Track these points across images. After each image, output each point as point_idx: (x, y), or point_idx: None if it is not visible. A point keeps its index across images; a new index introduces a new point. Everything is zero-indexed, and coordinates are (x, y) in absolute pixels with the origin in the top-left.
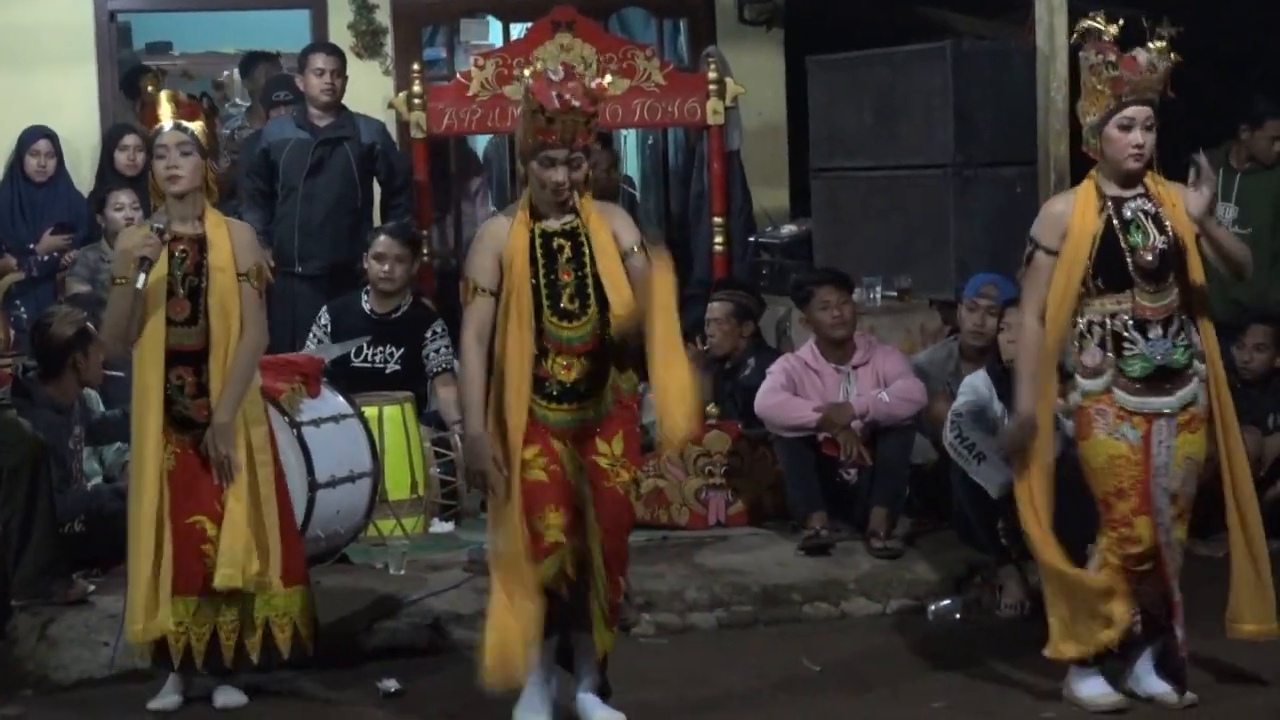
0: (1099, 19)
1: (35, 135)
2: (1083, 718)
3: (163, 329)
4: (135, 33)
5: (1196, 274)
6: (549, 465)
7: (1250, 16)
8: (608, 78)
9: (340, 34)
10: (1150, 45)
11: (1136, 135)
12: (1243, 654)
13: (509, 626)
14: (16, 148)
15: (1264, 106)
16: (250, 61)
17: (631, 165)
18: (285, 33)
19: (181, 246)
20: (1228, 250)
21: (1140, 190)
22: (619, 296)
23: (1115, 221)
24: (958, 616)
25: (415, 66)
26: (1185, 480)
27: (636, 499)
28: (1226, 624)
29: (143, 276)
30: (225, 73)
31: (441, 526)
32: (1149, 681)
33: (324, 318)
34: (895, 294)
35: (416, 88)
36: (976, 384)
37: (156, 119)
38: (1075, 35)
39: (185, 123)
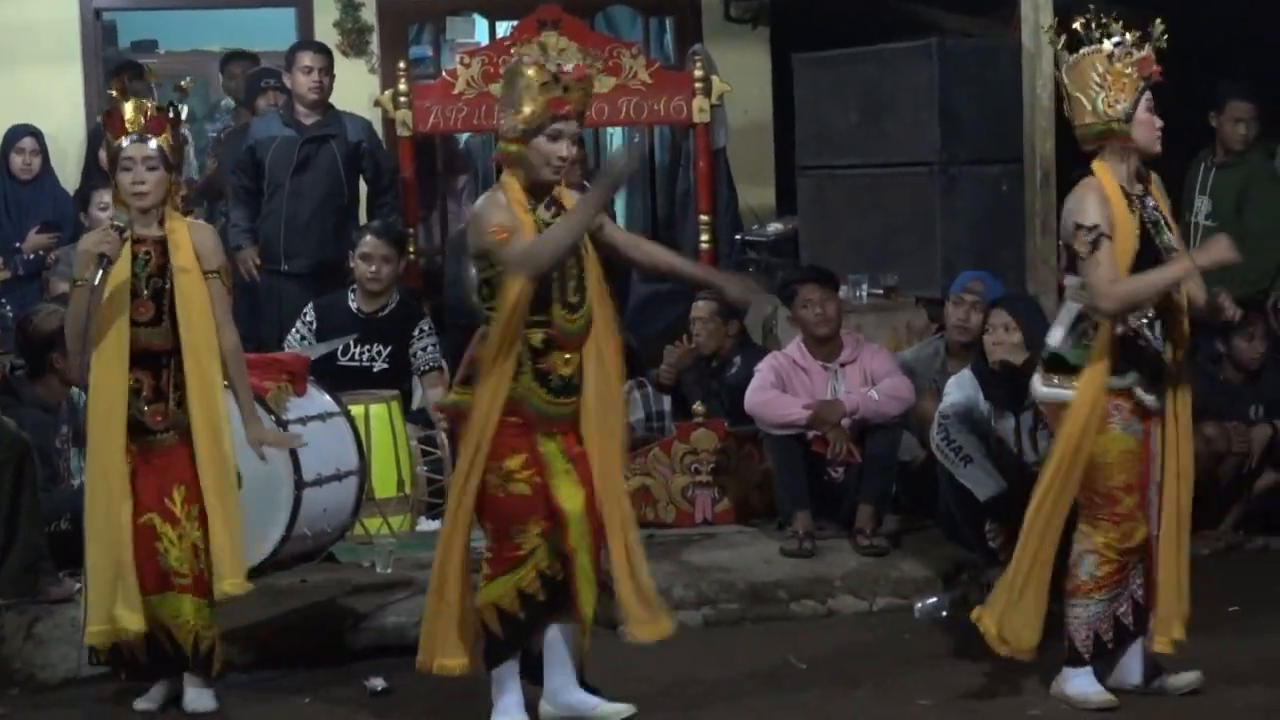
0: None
1: (20, 133)
2: (1070, 715)
3: (127, 330)
4: (120, 31)
5: None
6: (532, 477)
7: (1230, 11)
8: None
9: (326, 32)
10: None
11: (1157, 118)
12: (1233, 652)
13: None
14: (1, 146)
15: (1226, 88)
16: (228, 60)
17: None
18: (271, 31)
19: (145, 248)
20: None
21: (1143, 189)
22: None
23: (1146, 220)
24: (944, 614)
25: (401, 64)
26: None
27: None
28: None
29: (100, 273)
30: (187, 78)
31: (428, 525)
32: (1133, 670)
33: (309, 315)
34: (881, 292)
35: (402, 86)
36: (962, 384)
37: (122, 128)
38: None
39: (152, 136)
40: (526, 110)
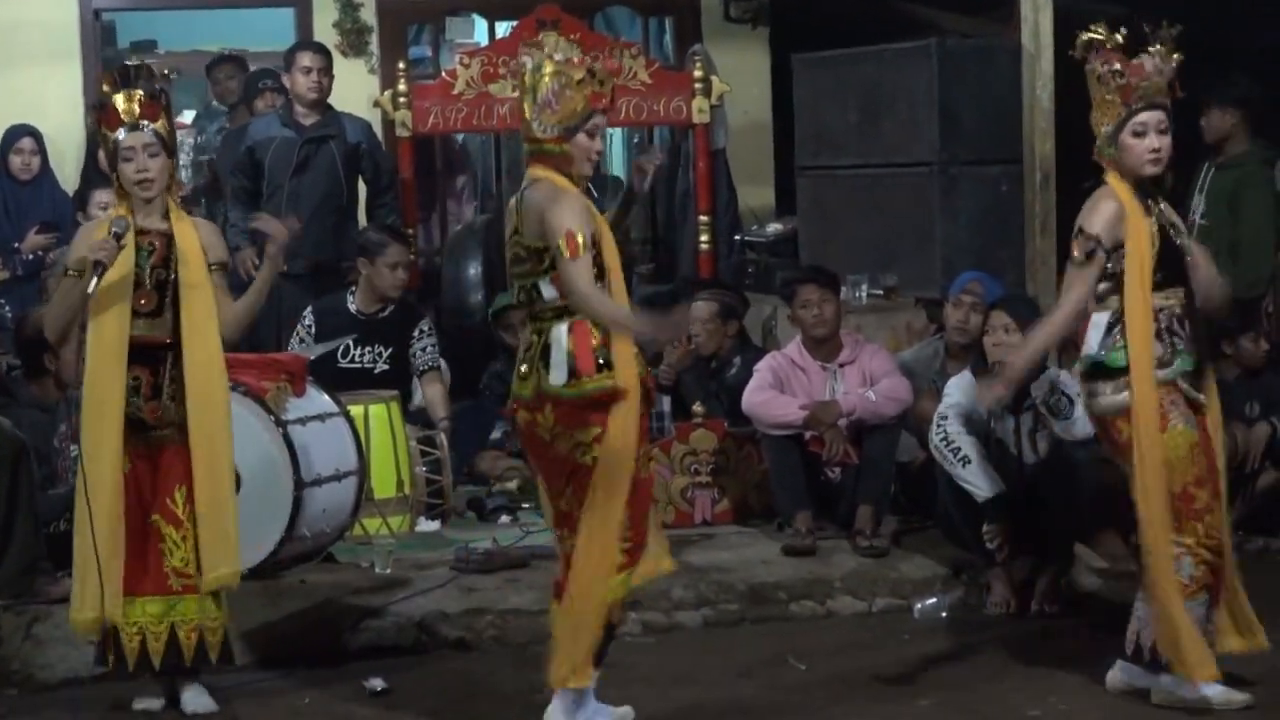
0: (1100, 29)
1: (19, 133)
2: (1067, 716)
3: (127, 323)
4: (120, 31)
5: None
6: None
7: (1235, 11)
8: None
9: (325, 32)
10: (1153, 49)
11: (1152, 140)
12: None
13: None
14: (0, 146)
15: (1205, 92)
16: (215, 64)
17: (617, 164)
18: (270, 31)
19: (149, 239)
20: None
21: (1155, 201)
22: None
23: (1164, 222)
24: (943, 615)
25: (400, 65)
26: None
27: None
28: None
29: (95, 281)
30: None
31: (427, 525)
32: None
33: (308, 318)
34: (881, 292)
35: (402, 86)
36: (962, 385)
37: (118, 119)
38: (1079, 48)
39: (148, 123)
40: (565, 108)
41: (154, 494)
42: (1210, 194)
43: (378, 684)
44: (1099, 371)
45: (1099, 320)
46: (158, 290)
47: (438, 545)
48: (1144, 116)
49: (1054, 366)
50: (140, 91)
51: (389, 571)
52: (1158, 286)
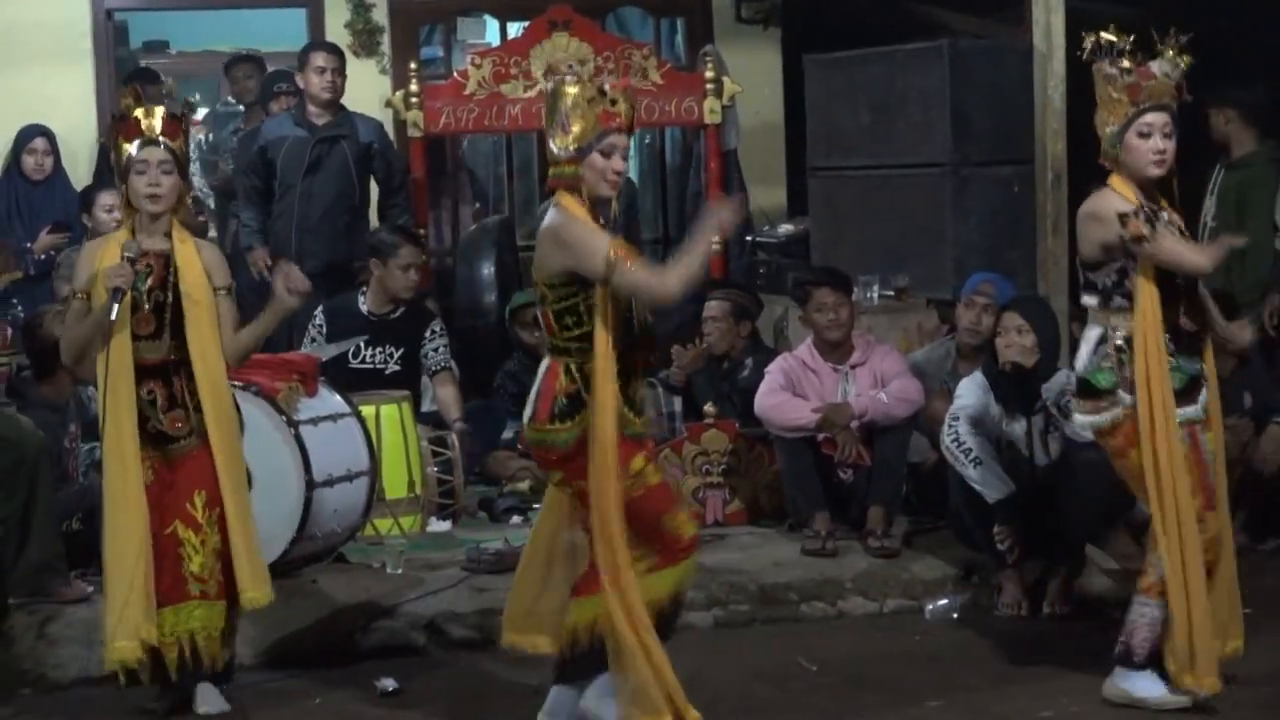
0: (1111, 32)
1: (32, 133)
2: (1079, 717)
3: (129, 343)
4: (132, 31)
5: None
6: (658, 469)
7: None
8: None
9: (337, 33)
10: (1162, 53)
11: (1157, 141)
12: (1244, 654)
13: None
14: (14, 146)
15: (1210, 93)
16: (233, 63)
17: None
18: (282, 31)
19: (148, 262)
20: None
21: (1158, 204)
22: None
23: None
24: (955, 616)
25: (412, 65)
26: None
27: None
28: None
29: (115, 307)
30: (196, 95)
31: (439, 525)
32: None
33: (319, 319)
34: (892, 293)
35: (413, 86)
36: (974, 387)
37: (137, 132)
38: (1087, 51)
39: (166, 140)
40: (577, 128)
41: (174, 502)
42: (1221, 196)
43: (389, 684)
44: (1086, 388)
45: (1090, 335)
46: (156, 313)
47: (449, 545)
48: (1150, 117)
49: (1064, 368)
50: (163, 109)
51: (400, 572)
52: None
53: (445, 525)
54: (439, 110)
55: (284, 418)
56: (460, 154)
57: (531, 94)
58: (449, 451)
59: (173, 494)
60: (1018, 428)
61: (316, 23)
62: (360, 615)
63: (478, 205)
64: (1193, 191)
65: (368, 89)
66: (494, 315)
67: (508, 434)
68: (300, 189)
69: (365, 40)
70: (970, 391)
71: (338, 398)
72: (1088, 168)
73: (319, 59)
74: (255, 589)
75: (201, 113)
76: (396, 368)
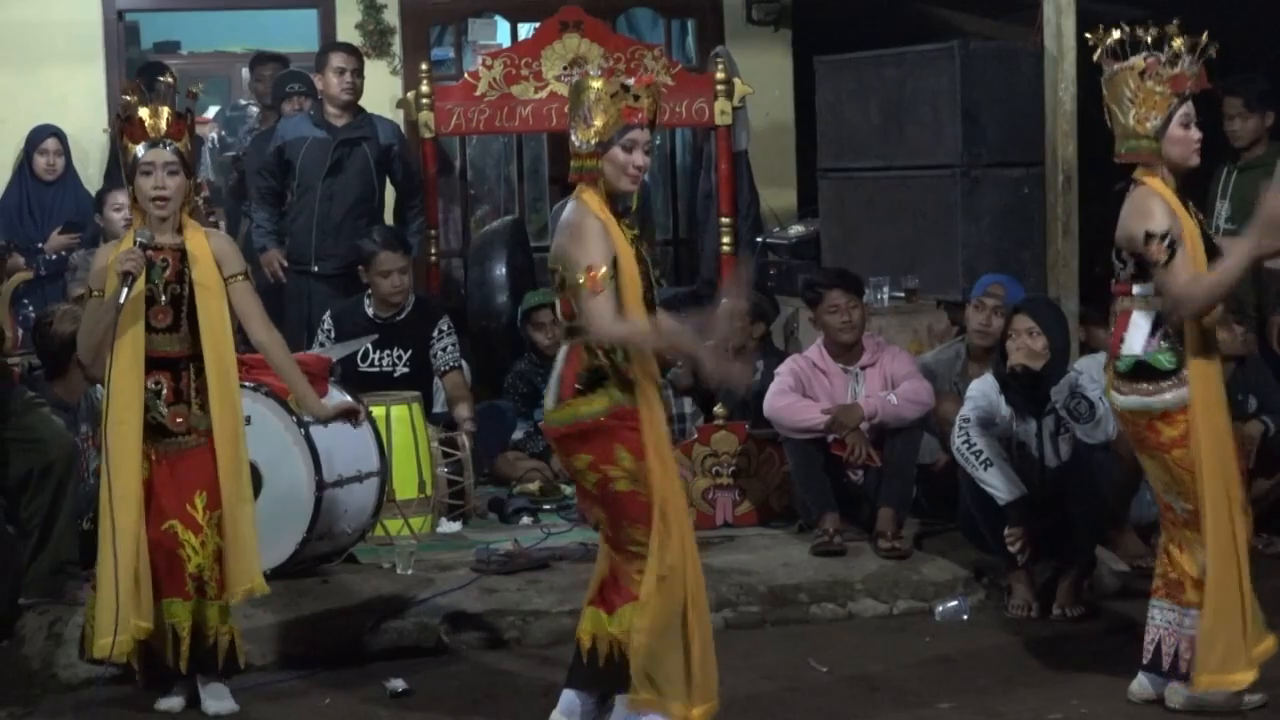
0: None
1: (44, 134)
2: (1089, 719)
3: (142, 336)
4: (144, 32)
5: None
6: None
7: (1252, 13)
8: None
9: (348, 33)
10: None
11: (1195, 131)
12: None
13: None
14: (25, 146)
15: (1223, 84)
16: (257, 62)
17: None
18: (293, 32)
19: (162, 255)
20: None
21: (1187, 202)
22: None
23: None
24: (965, 618)
25: (423, 66)
26: None
27: None
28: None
29: (125, 291)
30: (199, 84)
31: (449, 526)
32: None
33: (326, 322)
34: (902, 294)
35: (424, 87)
36: (984, 389)
37: (142, 133)
38: (1103, 50)
39: (171, 141)
40: (599, 122)
41: (173, 500)
42: (1235, 198)
43: (399, 685)
44: (1142, 372)
45: (1140, 320)
46: (173, 305)
47: (459, 546)
48: (1187, 107)
49: (1073, 370)
50: (167, 108)
51: (410, 572)
52: None
53: (455, 526)
54: (449, 111)
55: (294, 418)
56: (468, 155)
57: (542, 95)
58: (459, 452)
59: (171, 492)
60: (1028, 429)
61: (328, 23)
62: (370, 616)
63: (487, 207)
64: (1195, 193)
65: (379, 90)
66: (506, 316)
67: (518, 435)
68: (321, 190)
69: (376, 41)
70: (980, 393)
71: (348, 398)
72: (1098, 170)
73: (338, 60)
74: (242, 584)
75: (212, 110)
76: (405, 370)
